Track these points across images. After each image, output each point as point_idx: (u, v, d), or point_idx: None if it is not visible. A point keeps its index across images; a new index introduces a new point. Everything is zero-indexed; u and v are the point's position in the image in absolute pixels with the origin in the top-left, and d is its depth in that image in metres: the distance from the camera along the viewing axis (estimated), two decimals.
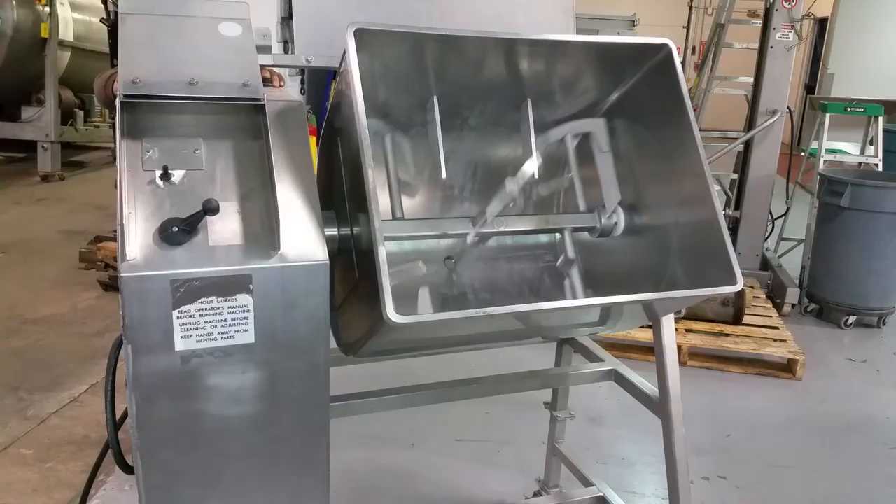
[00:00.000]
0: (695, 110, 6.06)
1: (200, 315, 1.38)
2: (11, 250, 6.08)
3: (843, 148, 6.52)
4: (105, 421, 1.64)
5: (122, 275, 1.32)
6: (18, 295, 5.07)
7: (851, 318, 5.16)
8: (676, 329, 4.35)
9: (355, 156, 1.48)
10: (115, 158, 1.48)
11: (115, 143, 1.48)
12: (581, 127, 2.09)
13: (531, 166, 1.97)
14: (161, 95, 1.48)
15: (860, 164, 5.91)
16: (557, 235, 2.17)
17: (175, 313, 1.36)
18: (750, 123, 5.81)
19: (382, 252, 1.38)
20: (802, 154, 6.67)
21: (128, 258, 1.33)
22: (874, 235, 4.98)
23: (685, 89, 1.80)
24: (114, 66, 4.82)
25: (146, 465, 1.44)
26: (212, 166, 1.48)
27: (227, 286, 1.39)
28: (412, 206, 2.07)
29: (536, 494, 2.91)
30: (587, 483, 2.58)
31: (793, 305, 5.38)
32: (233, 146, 1.52)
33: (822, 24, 13.76)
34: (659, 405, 2.08)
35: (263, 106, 1.53)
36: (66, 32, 9.21)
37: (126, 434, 1.53)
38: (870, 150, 5.91)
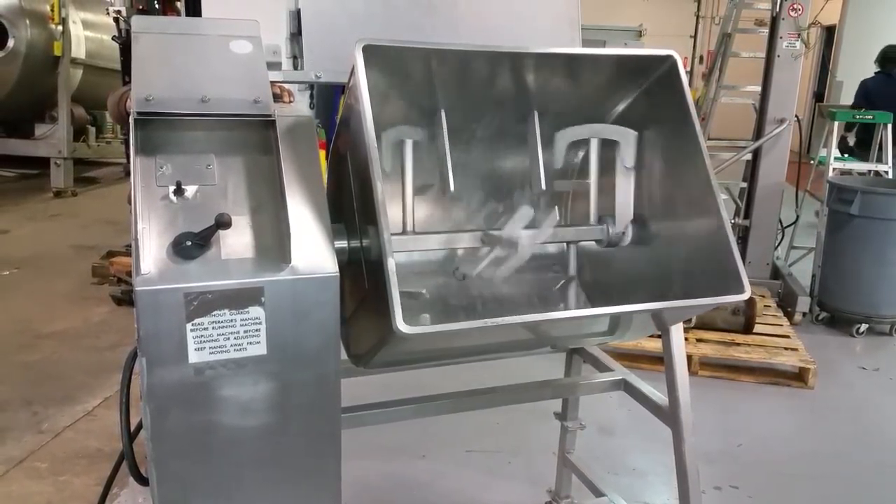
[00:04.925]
0: (702, 120, 6.09)
1: (213, 328, 1.40)
2: (25, 266, 6.13)
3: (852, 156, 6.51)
4: (119, 433, 1.67)
5: (136, 288, 1.34)
6: (32, 310, 5.11)
7: (863, 327, 5.13)
8: (687, 339, 4.35)
9: (364, 169, 1.50)
10: (127, 174, 1.51)
11: (127, 159, 1.51)
12: (610, 133, 2.03)
13: (551, 223, 1.97)
14: (174, 112, 1.50)
15: (870, 171, 5.90)
16: (566, 245, 2.18)
17: (189, 326, 1.38)
18: (758, 132, 5.81)
19: (391, 264, 1.40)
20: (812, 162, 6.66)
21: (142, 272, 1.36)
22: (885, 243, 4.96)
23: (690, 100, 1.81)
24: (126, 83, 4.87)
25: (160, 476, 1.46)
26: (224, 181, 1.51)
27: (239, 299, 1.41)
28: (421, 217, 2.09)
29: None
30: (598, 493, 2.57)
31: (804, 314, 5.35)
32: (244, 161, 1.54)
33: (829, 32, 13.75)
34: (669, 414, 2.09)
35: (274, 121, 1.55)
36: (79, 50, 9.31)
37: (140, 446, 1.55)
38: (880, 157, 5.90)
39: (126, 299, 5.13)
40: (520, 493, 3.08)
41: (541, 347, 2.24)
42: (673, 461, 2.09)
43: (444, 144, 1.85)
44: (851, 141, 7.11)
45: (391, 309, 1.37)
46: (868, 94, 7.47)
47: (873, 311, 5.10)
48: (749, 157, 5.86)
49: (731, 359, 4.42)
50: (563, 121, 2.06)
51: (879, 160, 5.88)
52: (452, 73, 1.78)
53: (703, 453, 2.91)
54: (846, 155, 6.35)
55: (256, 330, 1.43)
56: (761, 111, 5.79)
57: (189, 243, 1.39)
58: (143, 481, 1.62)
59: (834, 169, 5.73)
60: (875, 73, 7.70)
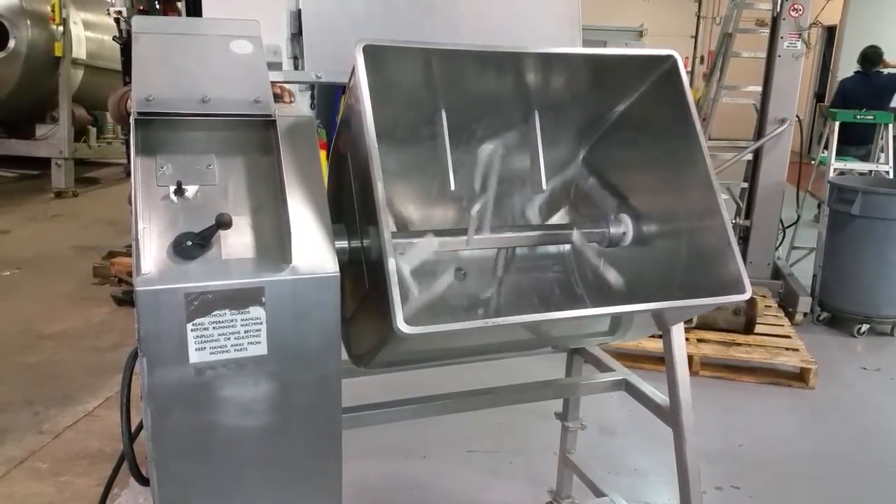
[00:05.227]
0: (703, 120, 6.09)
1: (214, 328, 1.40)
2: (26, 266, 6.14)
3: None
4: (120, 433, 1.67)
5: (137, 288, 1.34)
6: (33, 310, 5.12)
7: (864, 327, 5.13)
8: (688, 339, 4.35)
9: (365, 169, 1.50)
10: (127, 174, 1.51)
11: (127, 160, 1.51)
12: (566, 175, 2.19)
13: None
14: (174, 112, 1.50)
15: (871, 171, 5.90)
16: (566, 246, 2.18)
17: (189, 326, 1.38)
18: (759, 132, 5.81)
19: (392, 264, 1.40)
20: (812, 162, 6.66)
21: (143, 272, 1.36)
22: (886, 243, 4.96)
23: (691, 100, 1.81)
24: (126, 83, 4.87)
25: (161, 476, 1.46)
26: (224, 181, 1.51)
27: (240, 299, 1.41)
28: (422, 218, 2.09)
29: None
30: (599, 494, 2.57)
31: (805, 314, 5.35)
32: (245, 161, 1.54)
33: (830, 32, 13.75)
34: (670, 415, 2.09)
35: (274, 121, 1.55)
36: (80, 51, 9.33)
37: (141, 446, 1.55)
38: (880, 157, 5.90)
39: (127, 300, 5.13)
40: (521, 494, 3.08)
41: (542, 347, 2.23)
42: (674, 461, 2.09)
43: (445, 144, 1.85)
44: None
45: (391, 309, 1.37)
46: (846, 94, 7.50)
47: (874, 311, 5.10)
48: (750, 157, 5.86)
49: (732, 359, 4.42)
50: (564, 120, 2.07)
51: (878, 160, 5.89)
52: (452, 72, 1.78)
53: (703, 453, 2.91)
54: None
55: (257, 330, 1.43)
56: (762, 111, 5.79)
57: (189, 243, 1.39)
58: (144, 482, 1.62)
59: (835, 169, 5.73)
60: (854, 72, 7.72)
